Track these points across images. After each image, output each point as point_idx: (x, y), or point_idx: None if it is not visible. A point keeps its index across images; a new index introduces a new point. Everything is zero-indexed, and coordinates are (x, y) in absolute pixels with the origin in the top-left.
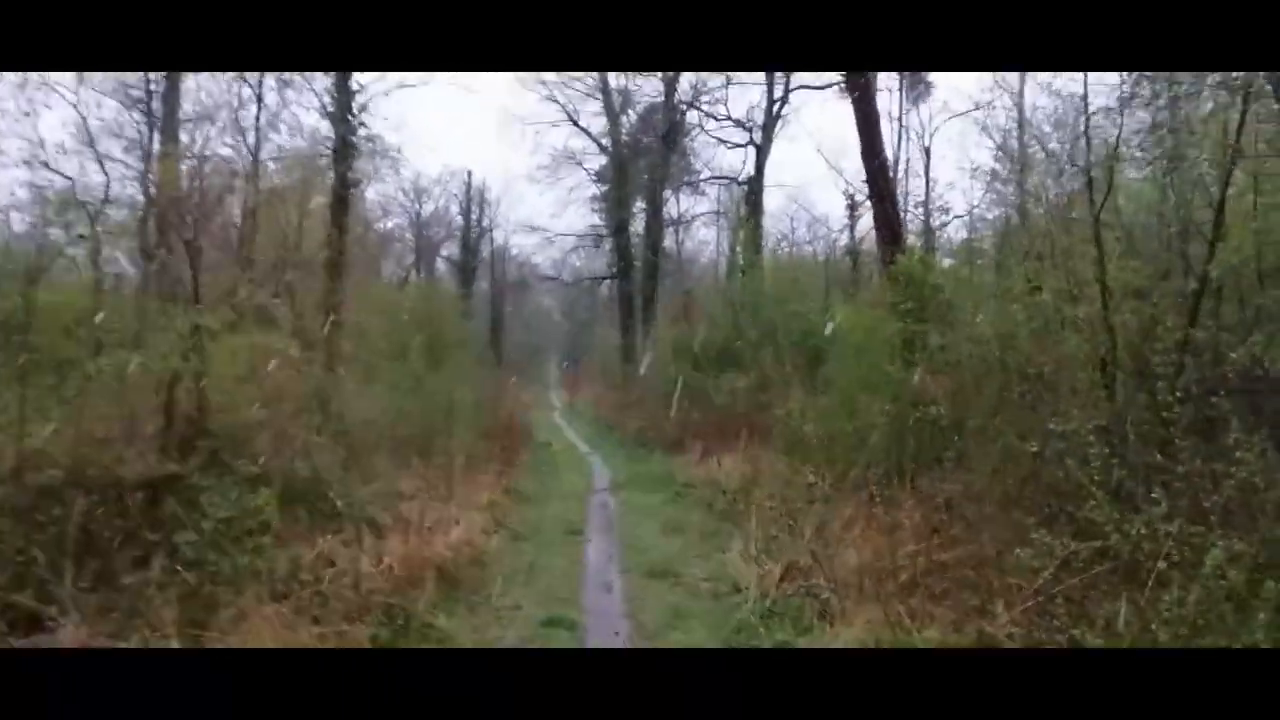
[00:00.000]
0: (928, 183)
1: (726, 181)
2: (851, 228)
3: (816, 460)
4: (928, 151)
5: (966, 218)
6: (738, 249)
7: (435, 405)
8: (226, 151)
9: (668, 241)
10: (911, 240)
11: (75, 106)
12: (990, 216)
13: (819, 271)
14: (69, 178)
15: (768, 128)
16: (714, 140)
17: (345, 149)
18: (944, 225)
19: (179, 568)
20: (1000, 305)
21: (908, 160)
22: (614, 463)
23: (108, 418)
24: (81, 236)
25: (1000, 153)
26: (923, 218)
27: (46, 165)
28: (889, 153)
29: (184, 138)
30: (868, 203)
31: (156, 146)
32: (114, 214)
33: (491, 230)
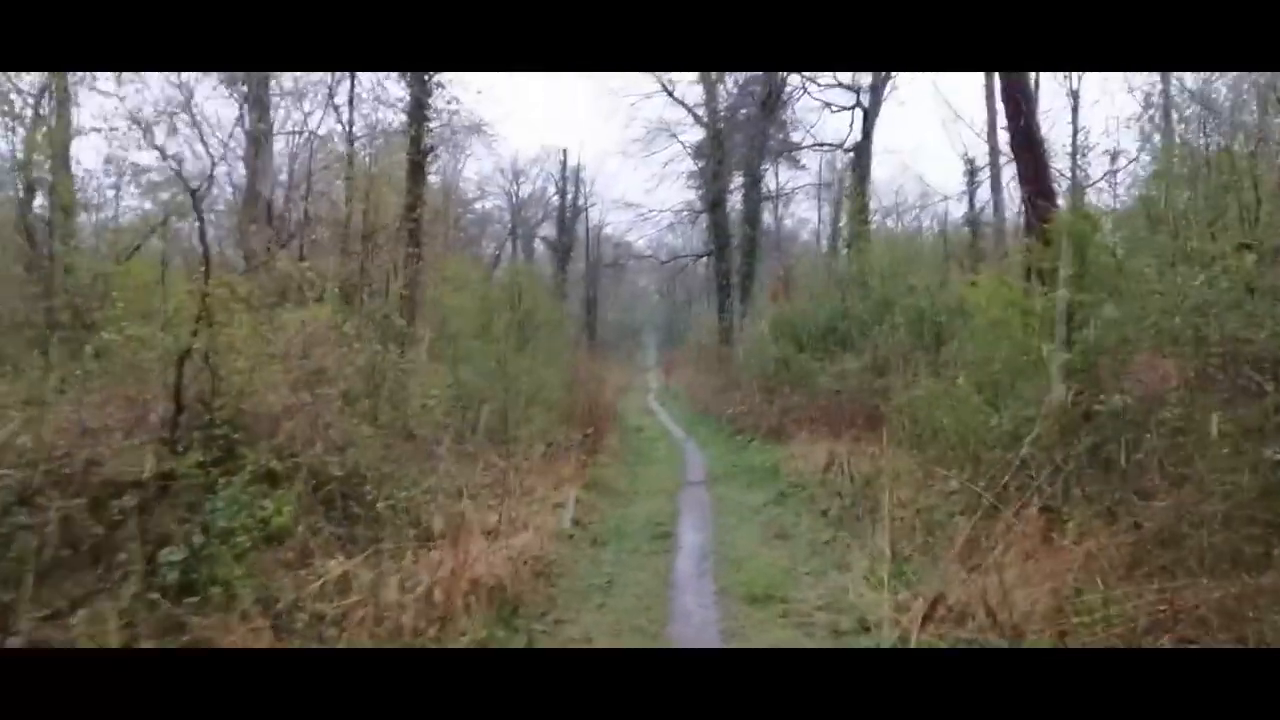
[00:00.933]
0: (1075, 131)
1: (831, 148)
2: (970, 196)
3: (953, 459)
4: (1075, 95)
5: (1123, 173)
6: (842, 221)
7: (517, 388)
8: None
9: (766, 218)
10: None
11: (177, 85)
12: (1145, 173)
13: (934, 244)
14: (169, 156)
15: (876, 89)
16: (818, 105)
17: (419, 111)
18: (1108, 176)
19: (156, 594)
20: (1188, 270)
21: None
22: (710, 451)
23: (110, 402)
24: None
25: (1151, 101)
26: (1068, 173)
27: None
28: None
29: (279, 114)
30: (989, 168)
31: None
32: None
33: (587, 209)
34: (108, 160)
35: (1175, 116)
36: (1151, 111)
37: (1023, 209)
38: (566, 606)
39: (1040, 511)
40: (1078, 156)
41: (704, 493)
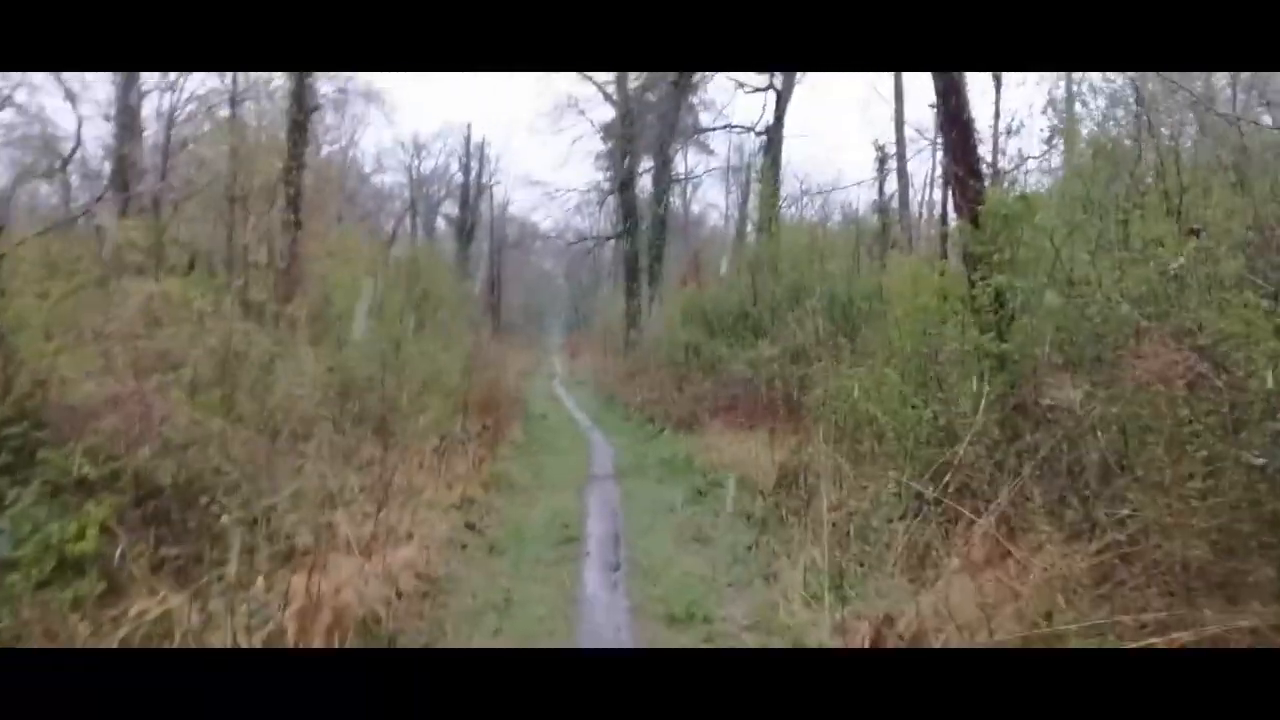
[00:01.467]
0: (997, 115)
1: (742, 130)
2: (880, 183)
3: (884, 456)
4: (998, 79)
5: (1033, 163)
6: (748, 208)
7: (411, 374)
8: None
9: (674, 201)
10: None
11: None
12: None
13: (845, 230)
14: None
15: (789, 72)
16: (730, 85)
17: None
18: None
19: None
20: (1129, 256)
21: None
22: (618, 440)
23: None
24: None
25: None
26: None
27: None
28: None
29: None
30: (895, 158)
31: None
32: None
33: (491, 187)
34: None
35: (1080, 107)
36: (1057, 100)
37: (951, 190)
38: (455, 633)
39: (1000, 521)
40: (1002, 139)
41: (613, 488)
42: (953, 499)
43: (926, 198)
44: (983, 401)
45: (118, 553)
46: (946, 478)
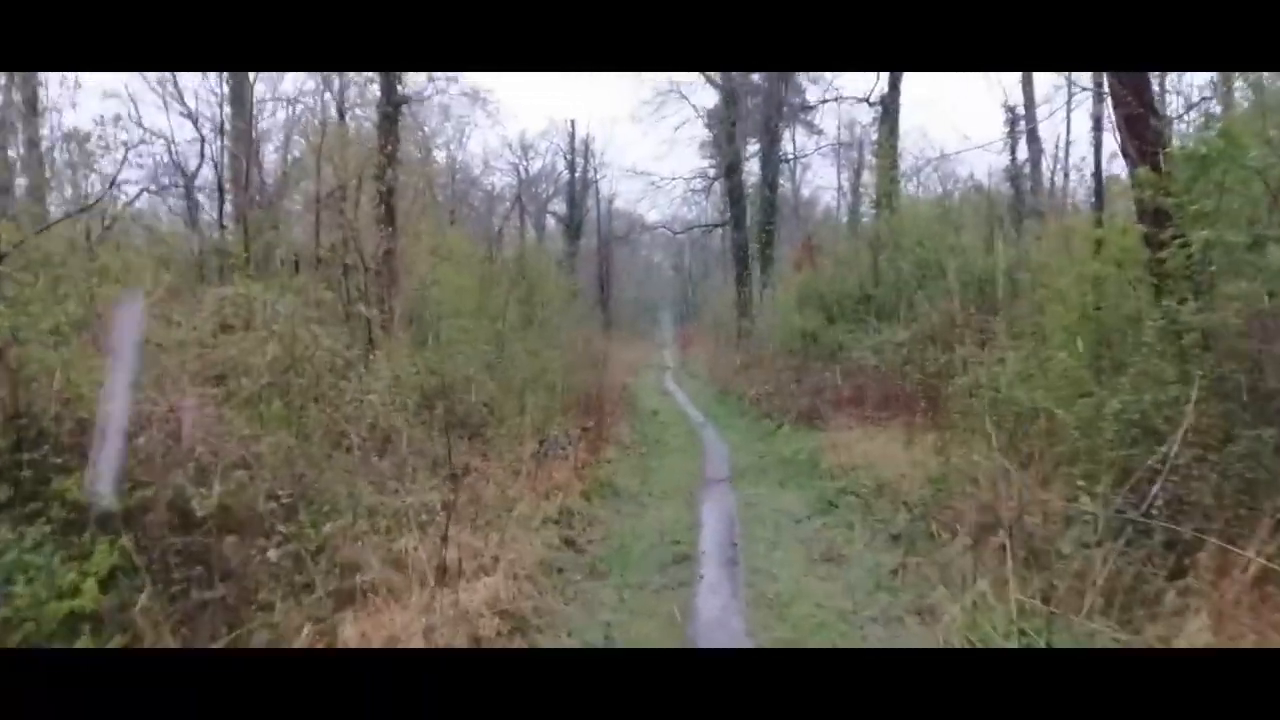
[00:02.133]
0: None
1: (855, 101)
2: (1012, 148)
3: (1060, 458)
4: None
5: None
6: (865, 180)
7: (513, 373)
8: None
9: (783, 184)
10: None
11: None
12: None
13: (974, 200)
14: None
15: None
16: None
17: None
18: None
19: None
20: None
21: None
22: (733, 438)
23: None
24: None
25: None
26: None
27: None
28: None
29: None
30: (1024, 120)
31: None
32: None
33: (597, 181)
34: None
35: None
36: None
37: (1118, 135)
38: None
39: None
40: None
41: (729, 494)
42: (1164, 515)
43: (1061, 164)
44: (1193, 390)
45: (137, 605)
46: (1154, 488)
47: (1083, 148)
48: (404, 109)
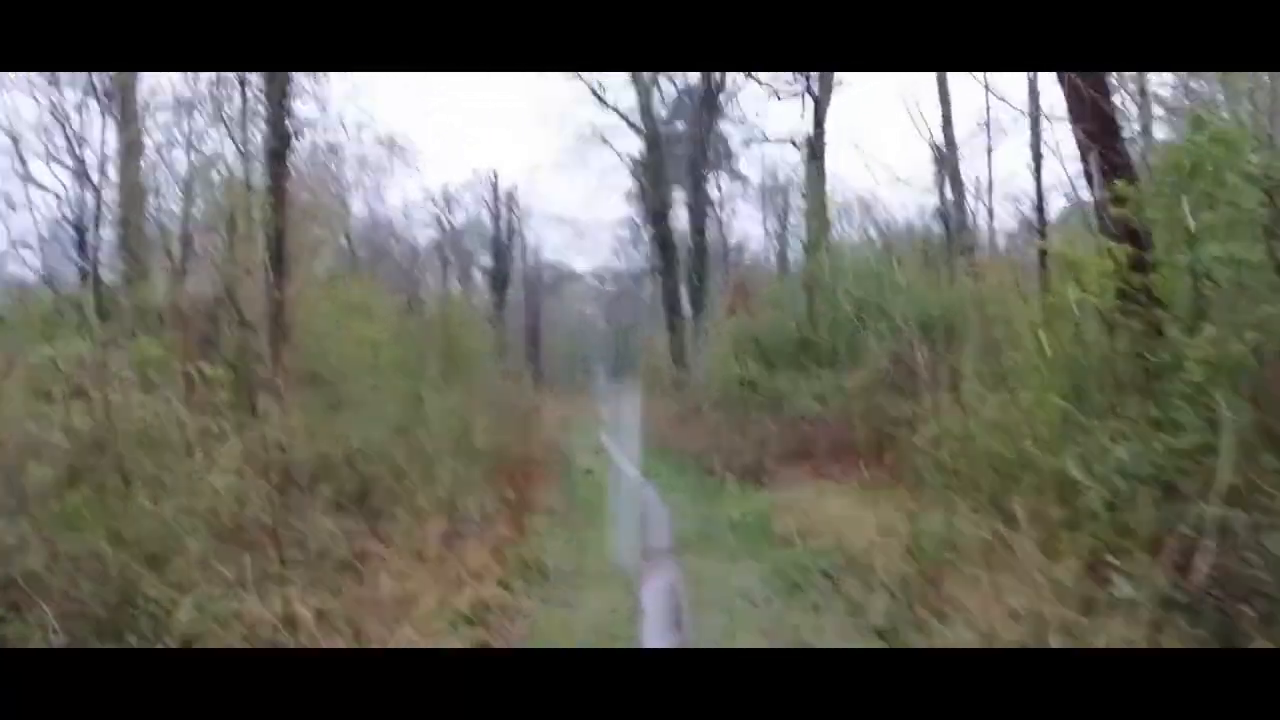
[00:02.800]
0: None
1: (780, 142)
2: (940, 187)
3: (1072, 521)
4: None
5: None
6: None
7: (425, 438)
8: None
9: (710, 232)
10: None
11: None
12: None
13: (909, 240)
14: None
15: (825, 74)
16: (763, 93)
17: (279, 83)
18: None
19: None
20: None
21: None
22: (674, 498)
23: None
24: None
25: None
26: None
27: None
28: None
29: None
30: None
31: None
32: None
33: (522, 231)
34: None
35: None
36: None
37: (1087, 161)
38: None
39: None
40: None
41: (674, 570)
42: (1221, 596)
43: (985, 203)
44: (1226, 435)
45: None
46: (1203, 563)
47: (1004, 188)
48: (294, 145)
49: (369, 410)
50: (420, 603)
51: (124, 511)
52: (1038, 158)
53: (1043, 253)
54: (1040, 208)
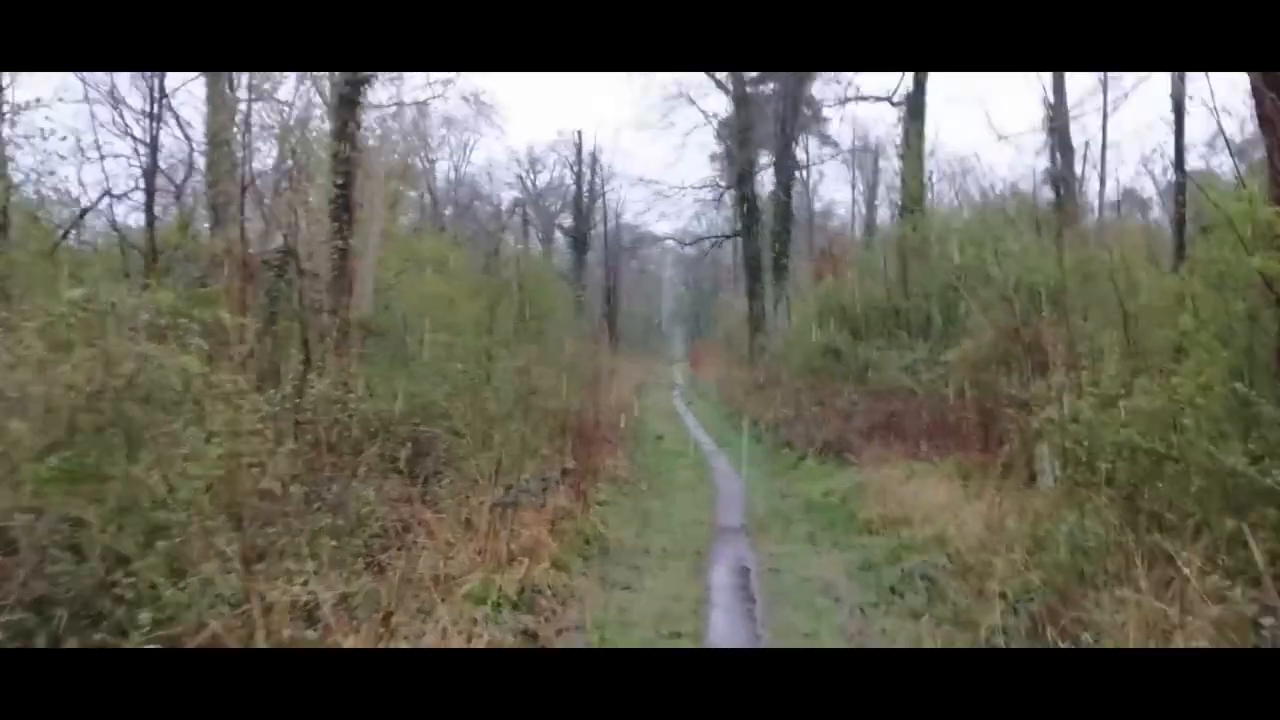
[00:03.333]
0: None
1: (876, 100)
2: (1051, 150)
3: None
4: None
5: None
6: (880, 191)
7: (488, 396)
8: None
9: (795, 195)
10: None
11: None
12: None
13: (1014, 204)
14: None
15: None
16: None
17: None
18: None
19: None
20: None
21: None
22: (749, 471)
23: None
24: None
25: None
26: None
27: None
28: None
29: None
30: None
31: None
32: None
33: (604, 194)
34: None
35: None
36: None
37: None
38: None
39: None
40: None
41: (747, 553)
42: None
43: (1097, 169)
44: None
45: None
46: None
47: (1118, 152)
48: (365, 89)
49: (434, 367)
50: (461, 582)
51: (116, 474)
52: (1179, 112)
53: (1181, 217)
54: (1180, 165)
